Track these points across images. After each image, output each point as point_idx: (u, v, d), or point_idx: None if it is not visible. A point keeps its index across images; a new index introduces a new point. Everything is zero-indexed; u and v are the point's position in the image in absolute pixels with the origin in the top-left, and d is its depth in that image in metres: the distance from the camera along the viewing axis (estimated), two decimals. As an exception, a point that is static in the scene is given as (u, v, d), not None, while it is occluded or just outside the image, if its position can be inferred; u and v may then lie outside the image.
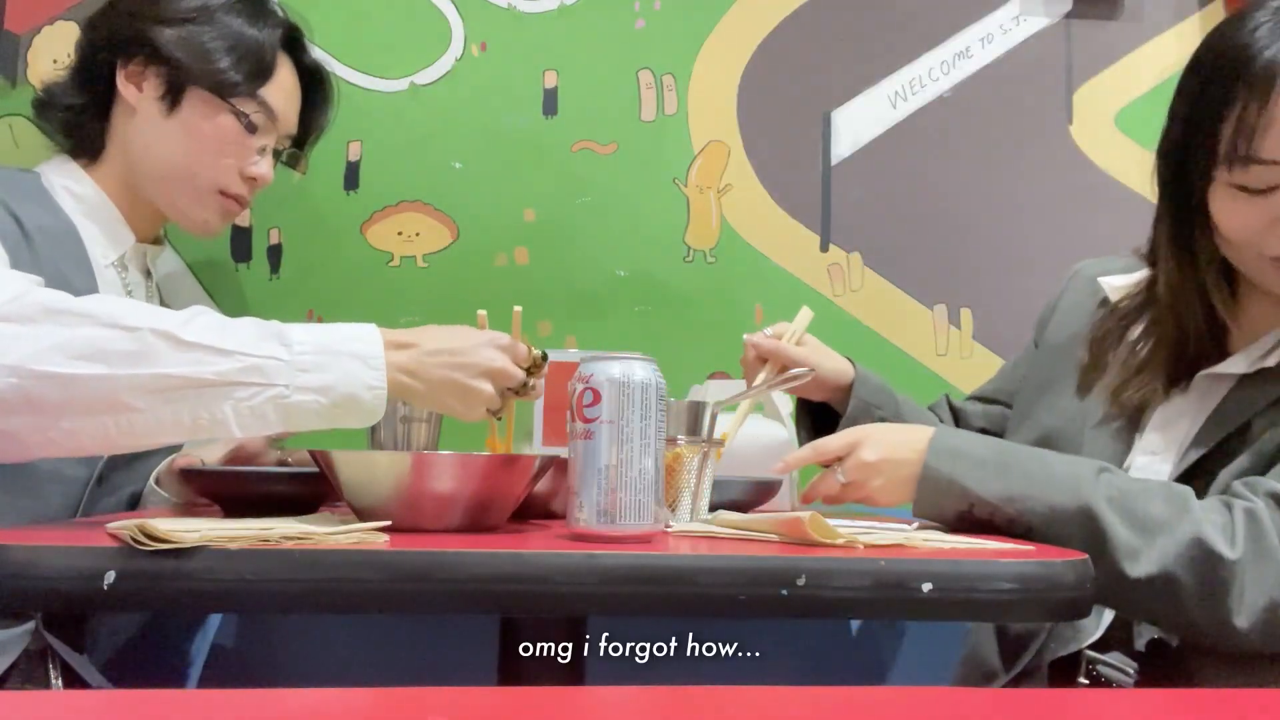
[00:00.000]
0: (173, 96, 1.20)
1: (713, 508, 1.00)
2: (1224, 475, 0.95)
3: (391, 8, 1.64)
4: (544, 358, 1.01)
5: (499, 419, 1.02)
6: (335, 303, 1.60)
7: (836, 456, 0.99)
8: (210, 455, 1.17)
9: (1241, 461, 0.95)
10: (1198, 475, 0.96)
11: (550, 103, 1.65)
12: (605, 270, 1.64)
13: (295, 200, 1.61)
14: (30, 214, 1.11)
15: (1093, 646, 0.99)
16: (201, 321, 0.86)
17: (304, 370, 0.87)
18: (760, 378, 1.17)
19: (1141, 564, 0.85)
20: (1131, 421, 1.05)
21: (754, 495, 1.11)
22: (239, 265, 1.59)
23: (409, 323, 1.59)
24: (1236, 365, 1.00)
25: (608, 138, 1.66)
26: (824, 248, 1.67)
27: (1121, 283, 1.13)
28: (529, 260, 1.63)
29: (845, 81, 1.69)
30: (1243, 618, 0.84)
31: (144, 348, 0.83)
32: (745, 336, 1.20)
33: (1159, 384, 1.03)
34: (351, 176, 1.62)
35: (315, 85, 1.35)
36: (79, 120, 1.23)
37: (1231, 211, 0.92)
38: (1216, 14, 1.73)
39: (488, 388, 0.95)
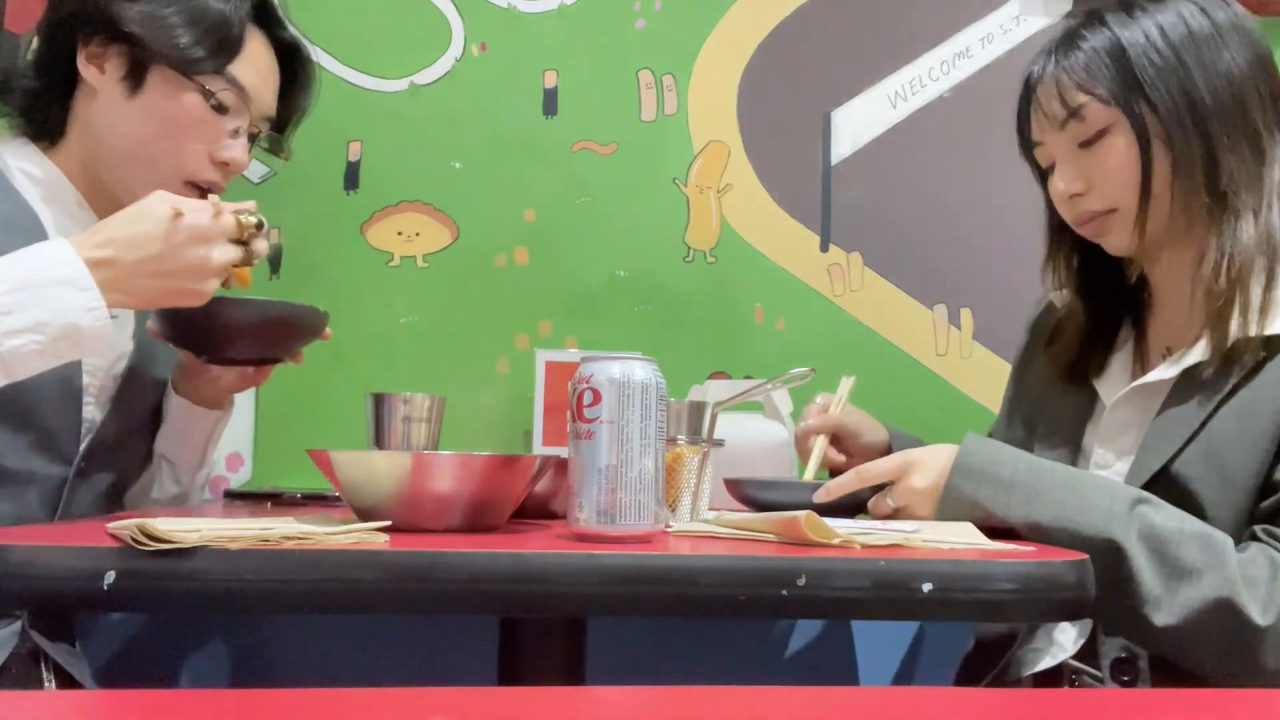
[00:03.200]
0: (135, 76, 1.11)
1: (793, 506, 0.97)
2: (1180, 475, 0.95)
3: (391, 8, 1.64)
4: (259, 225, 0.96)
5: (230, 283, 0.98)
6: (335, 303, 1.59)
7: (884, 481, 0.96)
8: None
9: (1198, 468, 0.94)
10: (1153, 485, 0.95)
11: (550, 103, 1.65)
12: (605, 270, 1.64)
13: (295, 200, 1.61)
14: None
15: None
16: None
17: (7, 313, 0.79)
18: (816, 451, 1.16)
19: (1163, 613, 0.84)
20: (1073, 439, 1.08)
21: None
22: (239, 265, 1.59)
23: (409, 323, 1.60)
24: (1167, 371, 1.01)
25: (608, 138, 1.66)
26: (824, 248, 1.67)
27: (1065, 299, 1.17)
28: (529, 260, 1.63)
29: (845, 81, 1.69)
30: (1272, 664, 0.84)
31: None
32: (803, 422, 1.20)
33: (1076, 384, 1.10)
34: (351, 176, 1.62)
35: (293, 63, 1.24)
36: (39, 104, 1.15)
37: (1050, 191, 1.08)
38: (1216, 14, 1.73)
39: (203, 286, 0.92)
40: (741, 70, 1.68)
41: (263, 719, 0.42)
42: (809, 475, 1.15)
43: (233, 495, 1.28)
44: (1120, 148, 1.00)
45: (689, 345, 1.63)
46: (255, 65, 1.17)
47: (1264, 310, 0.95)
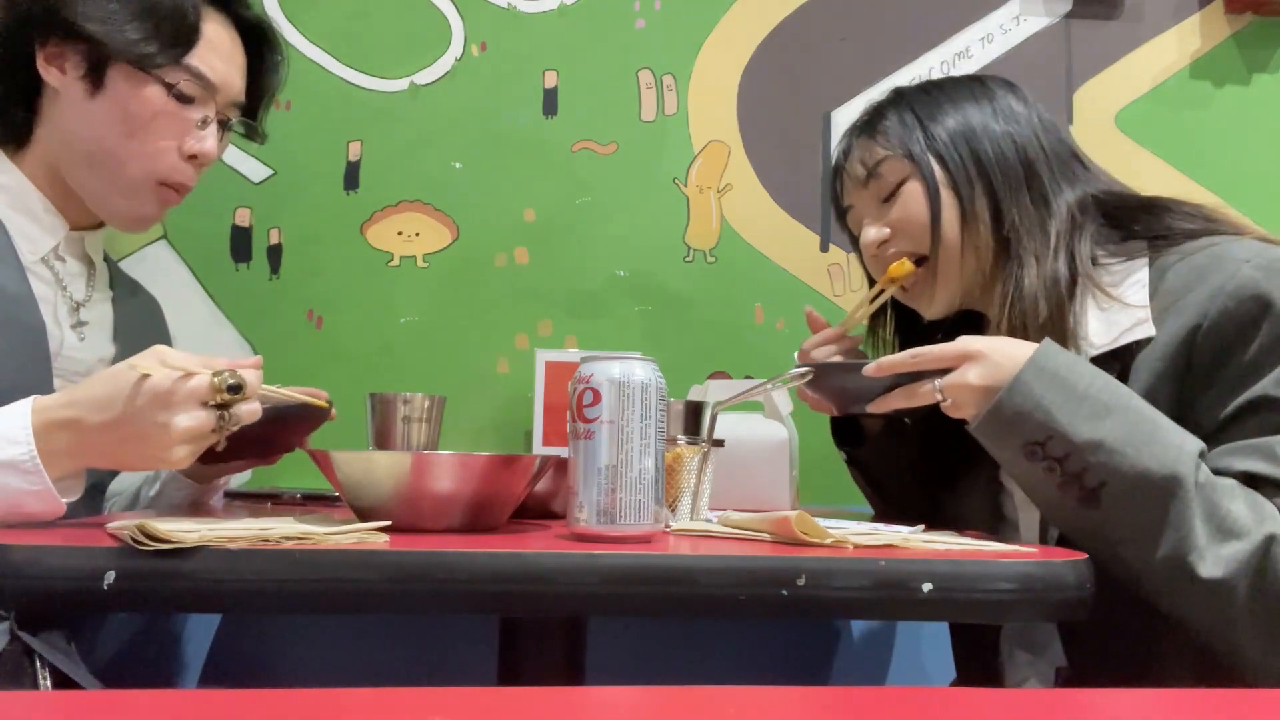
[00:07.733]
0: (94, 75, 1.09)
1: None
2: None
3: (391, 8, 1.64)
4: (235, 388, 0.82)
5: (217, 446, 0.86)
6: (335, 303, 1.60)
7: (939, 369, 0.93)
8: None
9: None
10: None
11: (550, 103, 1.65)
12: (605, 270, 1.64)
13: (295, 200, 1.61)
14: None
15: None
16: None
17: None
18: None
19: (1209, 564, 0.83)
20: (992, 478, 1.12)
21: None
22: (239, 265, 1.59)
23: (409, 323, 1.60)
24: None
25: (608, 138, 1.66)
26: (824, 248, 1.67)
27: None
28: (529, 260, 1.63)
29: (845, 81, 1.69)
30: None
31: None
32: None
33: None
34: (351, 176, 1.62)
35: (258, 44, 1.21)
36: (2, 109, 1.12)
37: (863, 249, 1.18)
38: (1216, 14, 1.73)
39: (168, 454, 0.83)
40: (741, 70, 1.68)
41: (263, 719, 0.42)
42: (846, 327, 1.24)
43: (233, 495, 1.28)
44: (915, 196, 1.10)
45: (689, 345, 1.63)
46: (217, 51, 1.14)
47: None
